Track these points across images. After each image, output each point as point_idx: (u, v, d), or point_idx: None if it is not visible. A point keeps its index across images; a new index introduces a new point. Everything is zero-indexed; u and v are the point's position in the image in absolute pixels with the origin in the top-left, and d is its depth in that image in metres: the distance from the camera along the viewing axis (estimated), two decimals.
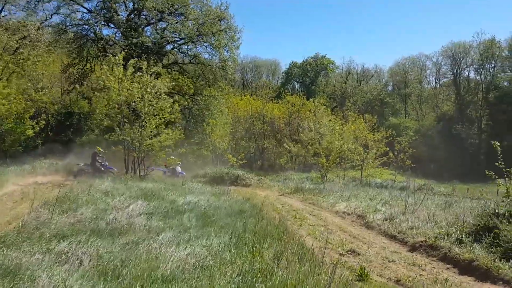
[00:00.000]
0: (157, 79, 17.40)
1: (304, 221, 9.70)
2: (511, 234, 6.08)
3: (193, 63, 29.22)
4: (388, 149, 27.89)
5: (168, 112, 16.65)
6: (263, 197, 13.68)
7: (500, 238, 6.16)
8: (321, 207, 12.56)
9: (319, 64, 65.51)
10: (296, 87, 67.23)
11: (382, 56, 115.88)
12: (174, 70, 29.19)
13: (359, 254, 6.55)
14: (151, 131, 16.13)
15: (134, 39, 24.08)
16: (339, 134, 24.62)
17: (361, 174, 27.90)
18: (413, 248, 7.13)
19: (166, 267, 4.06)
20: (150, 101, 16.02)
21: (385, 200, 12.32)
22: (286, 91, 52.38)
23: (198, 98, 29.45)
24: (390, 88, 69.03)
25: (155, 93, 16.39)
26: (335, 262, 5.43)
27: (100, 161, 16.77)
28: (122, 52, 17.55)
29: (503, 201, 7.61)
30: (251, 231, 5.80)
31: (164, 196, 8.91)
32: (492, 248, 6.15)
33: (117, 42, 26.00)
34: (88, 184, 10.60)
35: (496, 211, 7.03)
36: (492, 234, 6.40)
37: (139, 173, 16.39)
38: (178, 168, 20.42)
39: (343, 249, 6.81)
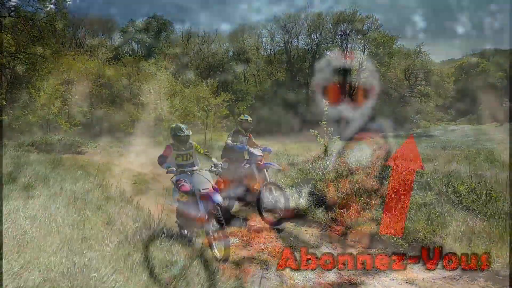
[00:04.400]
0: None
1: (145, 184, 9.60)
2: (324, 184, 7.16)
3: (13, 17, 24.98)
4: (229, 112, 29.20)
5: None
6: (100, 164, 12.95)
7: (316, 187, 7.21)
8: None
9: (159, 24, 63.21)
10: (136, 48, 63.83)
11: (222, 21, 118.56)
12: None
13: None
14: None
15: None
16: (181, 97, 24.52)
17: (205, 138, 28.65)
18: None
19: None
20: None
21: None
22: (125, 52, 49.38)
23: (21, 57, 25.52)
24: (231, 53, 71.25)
25: None
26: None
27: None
28: None
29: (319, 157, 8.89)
30: (82, 199, 5.50)
31: None
32: (310, 197, 7.16)
33: None
34: None
35: (314, 165, 8.15)
36: (310, 185, 7.43)
37: None
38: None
39: None
